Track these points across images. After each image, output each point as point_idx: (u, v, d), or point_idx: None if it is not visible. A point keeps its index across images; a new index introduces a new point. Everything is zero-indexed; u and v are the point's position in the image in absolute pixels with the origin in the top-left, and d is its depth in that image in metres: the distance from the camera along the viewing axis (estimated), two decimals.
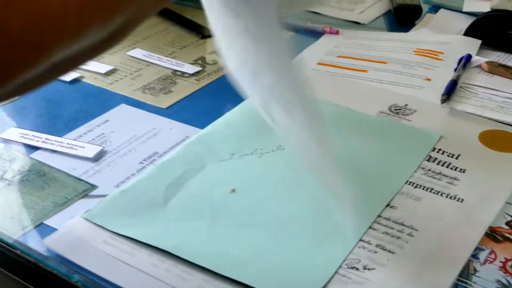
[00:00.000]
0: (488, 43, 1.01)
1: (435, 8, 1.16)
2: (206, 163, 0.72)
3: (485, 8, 1.09)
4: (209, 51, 1.01)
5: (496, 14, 1.01)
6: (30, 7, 0.34)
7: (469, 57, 0.95)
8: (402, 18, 1.13)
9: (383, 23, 1.15)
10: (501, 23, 1.00)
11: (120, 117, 0.82)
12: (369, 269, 0.58)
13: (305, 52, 1.01)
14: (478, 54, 0.99)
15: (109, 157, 0.73)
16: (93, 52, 0.42)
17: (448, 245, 0.61)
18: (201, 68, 0.95)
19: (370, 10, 1.19)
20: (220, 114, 0.83)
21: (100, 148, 0.74)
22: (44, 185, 0.68)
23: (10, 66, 0.35)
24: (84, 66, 0.94)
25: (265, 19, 0.60)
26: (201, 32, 1.06)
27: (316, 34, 1.07)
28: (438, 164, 0.73)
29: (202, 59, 0.98)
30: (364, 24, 1.13)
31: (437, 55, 0.98)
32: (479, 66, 0.95)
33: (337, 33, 1.08)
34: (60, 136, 0.77)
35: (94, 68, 0.94)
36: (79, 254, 0.59)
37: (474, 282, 0.58)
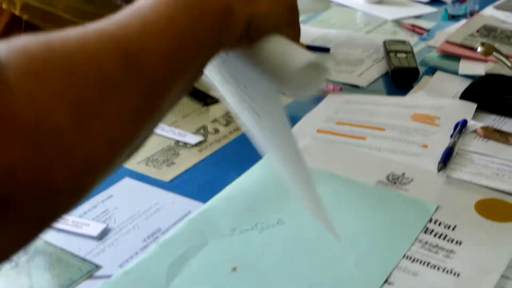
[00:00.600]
0: (484, 107, 1.03)
1: (431, 70, 1.19)
2: (207, 240, 0.74)
3: (480, 70, 1.11)
4: (211, 119, 1.03)
5: (491, 79, 1.04)
6: (72, 162, 0.37)
7: (465, 122, 0.97)
8: (399, 81, 1.15)
9: (382, 85, 1.17)
10: (496, 87, 1.02)
11: (124, 191, 0.84)
12: None
13: (306, 117, 1.03)
14: (474, 117, 1.01)
15: (113, 235, 0.75)
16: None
17: None
18: (203, 138, 0.97)
19: (368, 72, 1.21)
20: (222, 186, 0.85)
21: (104, 225, 0.76)
22: (50, 266, 0.70)
23: (52, 213, 0.38)
24: None
25: (266, 99, 0.63)
26: (204, 99, 1.09)
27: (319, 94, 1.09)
28: (434, 236, 0.75)
29: (204, 128, 1.01)
30: (362, 87, 1.16)
31: (433, 120, 1.00)
32: (475, 131, 0.97)
33: (340, 89, 1.12)
34: None
35: None
36: None
37: None
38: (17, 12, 1.19)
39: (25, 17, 1.19)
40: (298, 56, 0.60)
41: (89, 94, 0.39)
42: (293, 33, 0.65)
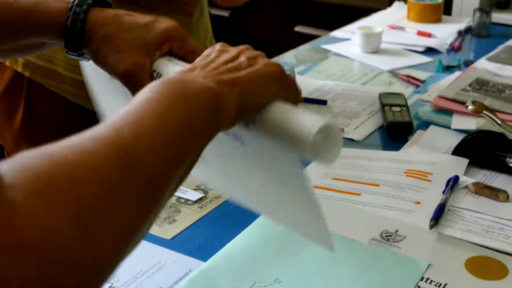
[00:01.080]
0: (476, 162, 1.07)
1: (425, 124, 1.22)
2: None
3: (472, 125, 1.15)
4: None
5: (482, 135, 1.07)
6: (81, 269, 0.41)
7: (456, 178, 1.01)
8: (394, 135, 1.19)
9: (377, 138, 1.21)
10: (487, 143, 1.06)
11: None
12: None
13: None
14: (465, 173, 1.04)
15: None
16: None
17: None
18: (203, 194, 1.01)
19: (364, 125, 1.25)
20: (222, 243, 0.88)
21: (109, 285, 0.79)
22: None
23: None
24: None
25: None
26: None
27: None
28: None
29: (205, 184, 1.04)
30: (358, 141, 1.19)
31: (426, 176, 1.04)
32: (466, 187, 1.00)
33: (342, 131, 1.20)
34: None
35: None
36: None
37: None
38: (19, 69, 1.24)
39: (26, 74, 1.24)
40: (308, 121, 0.63)
41: (91, 203, 0.42)
42: (291, 100, 0.69)
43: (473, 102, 1.06)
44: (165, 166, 0.52)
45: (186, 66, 0.70)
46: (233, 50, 0.71)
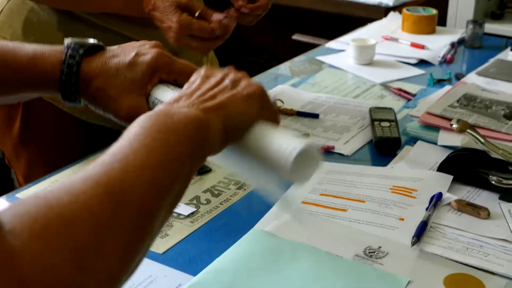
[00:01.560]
0: (460, 179, 1.10)
1: (413, 140, 1.26)
2: None
3: (458, 141, 1.19)
4: (203, 189, 1.11)
5: (466, 153, 1.11)
6: None
7: (439, 196, 1.04)
8: (382, 150, 1.23)
9: (366, 153, 1.25)
10: (471, 161, 1.10)
11: None
12: None
13: (294, 187, 1.10)
14: (450, 189, 1.08)
15: None
16: None
17: None
18: (195, 209, 1.04)
19: (354, 140, 1.29)
20: (212, 258, 0.92)
21: None
22: None
23: None
24: None
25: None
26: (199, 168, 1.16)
27: None
28: None
29: (197, 198, 1.08)
30: (348, 155, 1.23)
31: (411, 192, 1.07)
32: (449, 204, 1.04)
33: (333, 148, 1.23)
34: None
35: None
36: None
37: None
38: None
39: None
40: (289, 145, 0.68)
41: (86, 240, 0.46)
42: (271, 117, 0.74)
43: (458, 121, 1.10)
44: (154, 196, 0.56)
45: (179, 90, 0.74)
46: (218, 74, 0.75)
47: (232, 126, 0.70)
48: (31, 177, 1.32)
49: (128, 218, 0.51)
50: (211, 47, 1.19)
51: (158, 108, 0.66)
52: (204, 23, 1.13)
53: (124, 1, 1.19)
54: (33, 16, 1.27)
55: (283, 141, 0.69)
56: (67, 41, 0.80)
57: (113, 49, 0.81)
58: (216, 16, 1.14)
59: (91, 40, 0.81)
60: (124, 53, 0.80)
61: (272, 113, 0.75)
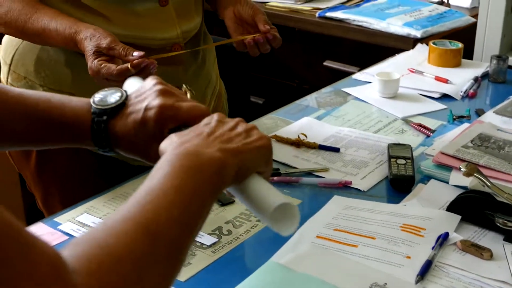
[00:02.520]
0: (467, 219, 1.17)
1: (427, 178, 1.33)
2: None
3: (467, 182, 1.25)
4: (226, 220, 1.19)
5: (474, 195, 1.17)
6: None
7: (446, 235, 1.11)
8: (397, 187, 1.30)
9: (381, 189, 1.32)
10: (479, 203, 1.16)
11: None
12: None
13: (310, 220, 1.18)
14: (457, 229, 1.14)
15: None
16: None
17: None
18: (217, 239, 1.13)
19: (371, 175, 1.36)
20: (231, 287, 1.00)
21: None
22: None
23: None
24: None
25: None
26: (221, 199, 1.25)
27: (329, 190, 1.24)
28: None
29: (219, 229, 1.16)
30: (363, 191, 1.30)
31: (419, 231, 1.14)
32: (455, 244, 1.11)
33: (350, 183, 1.31)
34: None
35: None
36: None
37: None
38: None
39: None
40: (271, 200, 0.79)
41: (130, 275, 0.58)
42: (267, 172, 0.84)
43: (466, 165, 1.17)
44: (183, 232, 0.68)
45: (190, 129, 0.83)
46: (229, 122, 0.84)
47: (242, 170, 0.79)
48: (48, 204, 1.44)
49: (163, 254, 0.62)
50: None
51: (186, 147, 0.75)
52: (110, 66, 1.18)
53: (63, 41, 1.26)
54: (44, 54, 1.38)
55: (270, 193, 0.81)
56: (92, 105, 0.88)
57: (131, 101, 0.88)
58: (136, 55, 1.18)
59: (112, 99, 0.89)
60: (137, 107, 0.87)
61: (271, 167, 0.85)
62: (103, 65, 1.18)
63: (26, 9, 1.28)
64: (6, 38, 1.44)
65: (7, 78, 1.45)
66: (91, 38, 1.20)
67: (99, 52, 1.19)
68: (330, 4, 2.69)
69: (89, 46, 1.20)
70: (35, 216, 1.31)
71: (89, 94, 0.91)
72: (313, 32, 2.60)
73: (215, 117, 0.84)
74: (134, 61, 1.17)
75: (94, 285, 0.54)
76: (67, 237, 1.14)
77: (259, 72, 2.80)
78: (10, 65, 1.44)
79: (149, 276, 0.59)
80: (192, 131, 0.81)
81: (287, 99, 1.83)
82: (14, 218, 0.51)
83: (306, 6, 2.68)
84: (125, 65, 1.17)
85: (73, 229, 1.16)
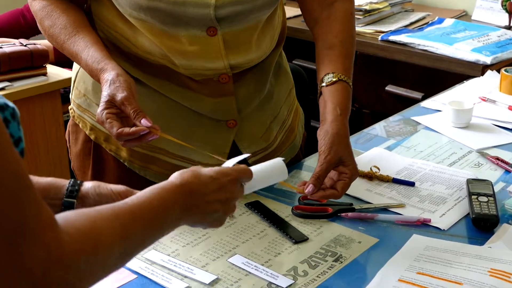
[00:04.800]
0: None
1: (511, 218, 1.25)
2: None
3: None
4: (301, 260, 1.13)
5: None
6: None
7: None
8: (481, 227, 1.22)
9: (462, 228, 1.25)
10: None
11: None
12: None
13: (390, 261, 1.12)
14: None
15: None
16: None
17: None
18: (293, 281, 1.07)
19: (450, 213, 1.29)
20: None
21: None
22: None
23: None
24: (191, 274, 1.08)
25: None
26: (294, 237, 1.19)
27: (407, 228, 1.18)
28: None
29: (295, 269, 1.11)
30: (444, 230, 1.23)
31: (509, 277, 1.07)
32: None
33: (429, 221, 1.24)
34: None
35: (200, 278, 1.07)
36: None
37: None
38: (87, 132, 1.40)
39: (92, 137, 1.39)
40: (276, 166, 1.08)
41: (106, 239, 0.74)
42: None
43: None
44: (139, 247, 0.83)
45: None
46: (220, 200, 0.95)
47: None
48: None
49: (122, 250, 0.78)
50: None
51: (186, 202, 0.90)
52: (114, 125, 1.13)
53: (90, 73, 1.24)
54: None
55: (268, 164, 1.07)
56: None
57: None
58: (143, 122, 1.12)
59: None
60: None
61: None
62: (108, 120, 1.13)
63: (67, 28, 1.26)
64: None
65: (71, 94, 1.45)
66: (110, 84, 1.15)
67: (111, 102, 1.14)
68: (392, 27, 2.63)
69: (105, 92, 1.15)
70: None
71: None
72: (375, 56, 2.54)
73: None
74: (132, 129, 1.11)
75: (67, 238, 0.67)
76: (135, 276, 1.09)
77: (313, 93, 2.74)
78: (74, 81, 1.44)
79: (108, 256, 0.74)
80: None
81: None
82: (27, 174, 0.65)
83: (368, 29, 2.62)
84: (126, 131, 1.11)
85: (141, 267, 1.11)
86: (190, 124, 1.33)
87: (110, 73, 1.18)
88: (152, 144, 1.32)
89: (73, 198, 0.98)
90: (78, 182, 1.01)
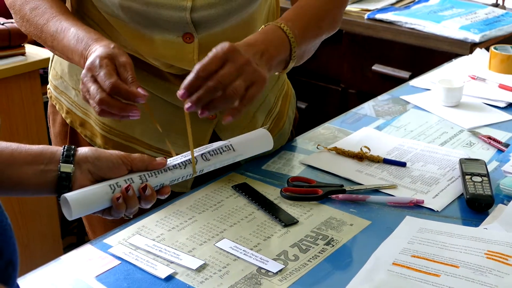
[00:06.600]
0: None
1: (506, 198, 1.22)
2: None
3: None
4: (291, 244, 1.09)
5: None
6: None
7: None
8: (475, 207, 1.19)
9: (456, 210, 1.21)
10: None
11: None
12: None
13: (383, 245, 1.08)
14: None
15: None
16: None
17: None
18: (283, 266, 1.03)
19: (443, 193, 1.25)
20: None
21: None
22: None
23: None
24: (177, 260, 1.04)
25: None
26: (284, 220, 1.15)
27: (400, 209, 1.14)
28: None
29: (285, 253, 1.06)
30: (437, 211, 1.20)
31: (507, 259, 1.03)
32: None
33: (422, 202, 1.21)
34: None
35: (187, 263, 1.03)
36: None
37: None
38: (63, 115, 1.35)
39: (68, 120, 1.34)
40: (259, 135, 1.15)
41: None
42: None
43: None
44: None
45: None
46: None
47: None
48: (95, 232, 1.38)
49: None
50: None
51: None
52: (112, 73, 1.02)
53: (73, 47, 1.12)
54: None
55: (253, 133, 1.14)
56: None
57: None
58: (140, 91, 1.01)
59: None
60: None
61: None
62: (107, 68, 1.01)
63: (53, 8, 1.18)
64: None
65: (49, 73, 1.40)
66: (111, 48, 1.05)
67: (111, 59, 1.03)
68: (379, 5, 2.58)
69: (102, 49, 1.05)
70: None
71: None
72: (361, 35, 2.50)
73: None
74: (130, 88, 1.01)
75: None
76: (119, 262, 1.05)
77: (302, 76, 2.70)
78: (52, 61, 1.39)
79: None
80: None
81: (331, 104, 1.73)
82: None
83: (354, 7, 2.57)
84: (124, 86, 1.01)
85: (125, 252, 1.07)
86: (168, 116, 1.27)
87: (109, 42, 1.07)
88: (128, 133, 1.28)
89: (70, 163, 0.95)
90: (73, 147, 0.97)
